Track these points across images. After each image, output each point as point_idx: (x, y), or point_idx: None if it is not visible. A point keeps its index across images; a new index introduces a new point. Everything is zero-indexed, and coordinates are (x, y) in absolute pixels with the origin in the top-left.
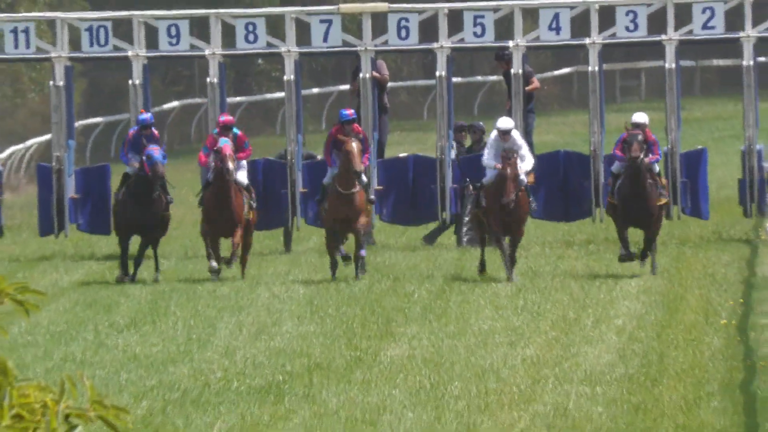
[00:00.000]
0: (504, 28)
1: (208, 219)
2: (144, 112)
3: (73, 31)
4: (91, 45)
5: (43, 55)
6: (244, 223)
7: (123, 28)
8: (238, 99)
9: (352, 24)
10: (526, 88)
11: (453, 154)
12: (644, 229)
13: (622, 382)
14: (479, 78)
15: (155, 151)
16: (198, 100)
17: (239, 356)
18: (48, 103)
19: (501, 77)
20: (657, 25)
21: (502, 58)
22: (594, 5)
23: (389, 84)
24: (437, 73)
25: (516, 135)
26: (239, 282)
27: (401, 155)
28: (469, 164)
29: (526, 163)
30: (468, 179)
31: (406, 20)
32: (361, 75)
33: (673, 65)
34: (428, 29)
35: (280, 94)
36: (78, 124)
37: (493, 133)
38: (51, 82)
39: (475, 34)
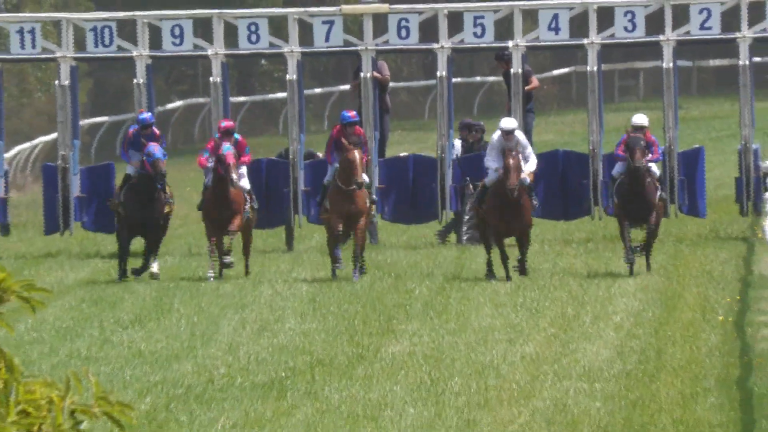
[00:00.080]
0: (504, 29)
1: (209, 220)
2: (143, 112)
3: (78, 32)
4: (96, 45)
5: (49, 55)
6: (243, 214)
7: (127, 29)
8: (241, 99)
9: (353, 24)
10: (526, 88)
11: (458, 151)
12: (645, 223)
13: (620, 378)
14: (479, 78)
15: (155, 148)
16: (201, 100)
17: (242, 353)
18: (53, 103)
19: (501, 77)
20: (655, 26)
21: (502, 58)
22: (593, 6)
23: (390, 84)
24: (437, 73)
25: (520, 135)
26: (242, 280)
27: (402, 155)
28: (469, 163)
29: (529, 164)
30: (468, 178)
31: (407, 21)
32: (362, 74)
33: (671, 65)
34: (428, 30)
35: (283, 94)
36: (83, 123)
37: (496, 134)
38: (56, 82)
39: (474, 34)
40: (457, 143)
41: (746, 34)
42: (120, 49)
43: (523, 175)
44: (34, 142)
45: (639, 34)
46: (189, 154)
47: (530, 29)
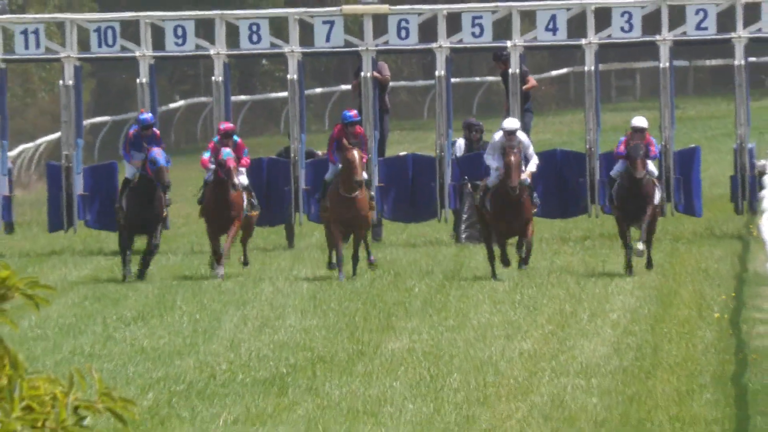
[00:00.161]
0: (502, 29)
1: (208, 216)
2: (144, 112)
3: (82, 32)
4: (100, 45)
5: (53, 56)
6: (242, 216)
7: (130, 29)
8: (242, 98)
9: (353, 25)
10: (524, 87)
11: (462, 150)
12: (643, 226)
13: (616, 375)
14: (478, 78)
15: (159, 154)
16: (203, 99)
17: (244, 349)
18: (57, 103)
19: (499, 77)
20: (651, 26)
21: (500, 58)
22: (590, 6)
23: (390, 84)
24: (436, 73)
25: (522, 136)
26: (244, 277)
27: (401, 154)
28: (468, 162)
29: (530, 165)
30: (466, 177)
31: (406, 21)
32: (362, 74)
33: (667, 65)
34: (428, 30)
35: (284, 94)
36: (86, 122)
37: (498, 134)
38: (60, 82)
39: (473, 34)
40: (461, 142)
41: (742, 34)
42: (123, 49)
43: (523, 176)
44: (38, 141)
45: (636, 35)
46: (191, 153)
47: (528, 30)
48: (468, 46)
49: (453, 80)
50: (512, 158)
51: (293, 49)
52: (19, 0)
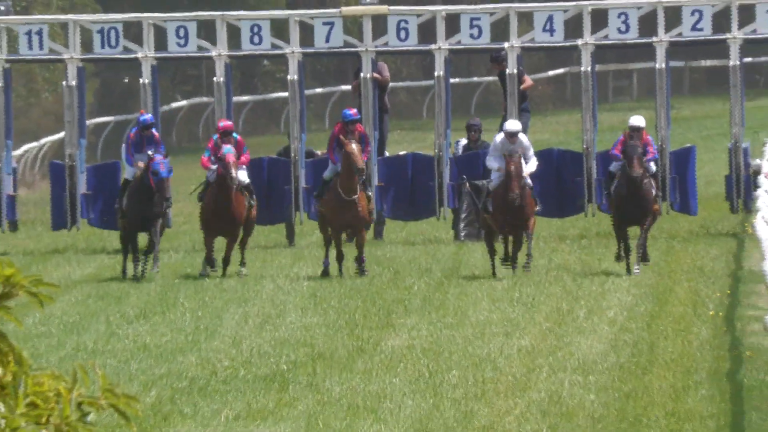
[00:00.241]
0: (500, 30)
1: (208, 218)
2: (144, 113)
3: (85, 33)
4: (103, 46)
5: (56, 56)
6: (243, 224)
7: (133, 30)
8: (244, 98)
9: (353, 26)
10: (521, 87)
11: (462, 149)
12: (639, 225)
13: (613, 371)
14: (476, 78)
15: (161, 166)
16: (205, 100)
17: (245, 346)
18: (61, 103)
19: (497, 78)
20: (647, 28)
21: (497, 59)
22: (587, 8)
23: (389, 84)
24: (435, 74)
25: (522, 138)
26: (244, 274)
27: (401, 153)
28: (466, 162)
29: (530, 165)
30: (464, 176)
31: (405, 22)
32: (362, 75)
33: (663, 66)
34: (427, 31)
35: (285, 94)
36: (90, 122)
37: (499, 135)
38: (64, 83)
39: (471, 35)
40: (464, 141)
41: (737, 35)
42: (126, 50)
43: (525, 175)
44: (42, 141)
45: (632, 36)
46: (193, 152)
47: (526, 31)
48: (466, 47)
49: (452, 80)
50: (513, 167)
51: (294, 49)
52: (23, 1)
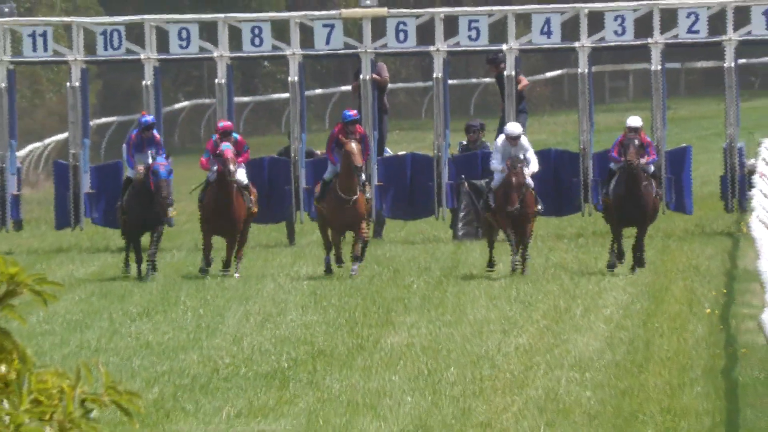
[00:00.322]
0: (498, 32)
1: (208, 217)
2: (145, 114)
3: (89, 35)
4: (106, 48)
5: (60, 58)
6: (242, 226)
7: (135, 32)
8: (245, 99)
9: (353, 28)
10: (518, 87)
11: (461, 149)
12: (638, 227)
13: (609, 368)
14: (474, 80)
15: (161, 166)
16: (207, 101)
17: (246, 344)
18: (65, 104)
19: (494, 80)
20: (644, 29)
21: (493, 61)
22: (583, 10)
23: (389, 85)
24: (434, 75)
25: (524, 140)
26: (245, 274)
27: (400, 153)
28: (465, 162)
29: (532, 166)
30: (463, 176)
31: (404, 24)
32: (361, 76)
33: (659, 67)
34: (425, 33)
35: (285, 95)
36: (93, 123)
37: (501, 138)
38: (67, 84)
39: (470, 37)
40: (465, 142)
41: (732, 37)
42: (128, 51)
43: (526, 173)
44: (46, 141)
45: (628, 38)
46: (195, 152)
47: (523, 33)
48: (465, 48)
49: (450, 82)
50: (513, 180)
51: (294, 51)
52: (27, 3)
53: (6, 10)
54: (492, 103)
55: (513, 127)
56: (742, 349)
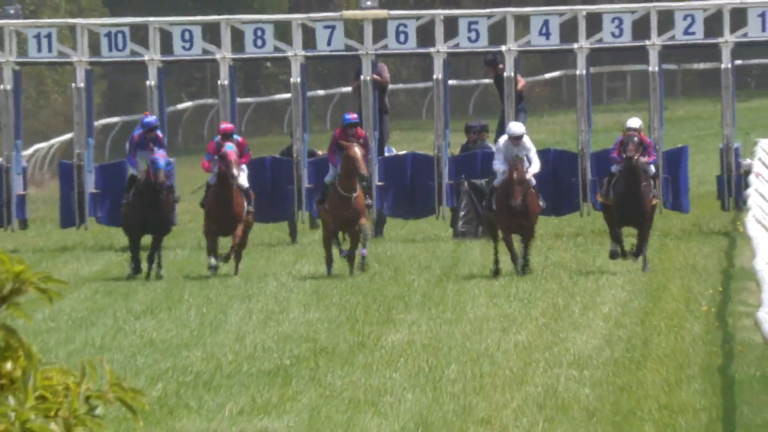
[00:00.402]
0: (497, 34)
1: (210, 218)
2: (148, 115)
3: (93, 37)
4: (110, 49)
5: (65, 59)
6: (244, 221)
7: (140, 34)
8: (247, 100)
9: (354, 29)
10: (517, 87)
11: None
12: (637, 227)
13: (608, 366)
14: (474, 81)
15: (160, 157)
16: (210, 101)
17: (249, 341)
18: (70, 104)
19: (493, 80)
20: (641, 31)
21: (491, 63)
22: (582, 12)
23: (389, 86)
24: (434, 76)
25: (526, 140)
26: (248, 272)
27: (400, 153)
28: (465, 162)
29: (532, 167)
30: (463, 176)
31: (405, 26)
32: (362, 77)
33: (657, 68)
34: (425, 34)
35: (287, 96)
36: (97, 123)
37: (503, 138)
38: (72, 85)
39: (469, 39)
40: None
41: (728, 38)
42: (133, 53)
43: (528, 176)
44: (51, 141)
45: (626, 39)
46: (198, 152)
47: (522, 34)
48: (464, 50)
49: (450, 82)
50: (515, 175)
51: (296, 52)
52: (32, 5)
53: (11, 11)
54: (491, 104)
55: (516, 127)
56: (738, 347)
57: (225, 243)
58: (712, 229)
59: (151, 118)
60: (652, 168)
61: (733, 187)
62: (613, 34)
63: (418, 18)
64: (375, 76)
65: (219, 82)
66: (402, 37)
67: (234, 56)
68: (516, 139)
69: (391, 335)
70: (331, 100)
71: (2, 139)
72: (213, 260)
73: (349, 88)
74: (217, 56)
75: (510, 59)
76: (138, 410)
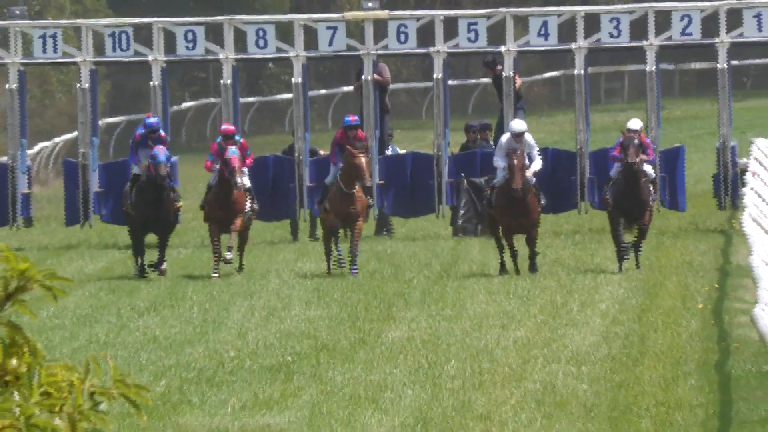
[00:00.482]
0: (496, 34)
1: (212, 216)
2: (150, 116)
3: (97, 37)
4: (114, 50)
5: (70, 59)
6: (245, 215)
7: (143, 34)
8: (250, 99)
9: (355, 30)
10: (516, 87)
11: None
12: (637, 224)
13: (605, 362)
14: (473, 80)
15: (160, 151)
16: (213, 101)
17: (251, 338)
18: (74, 104)
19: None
20: (639, 32)
21: (489, 64)
22: (580, 13)
23: (390, 86)
24: (434, 76)
25: (528, 137)
26: (250, 270)
27: (401, 152)
28: (464, 161)
29: (534, 164)
30: (462, 174)
31: (405, 26)
32: (363, 77)
33: (654, 68)
34: (425, 35)
35: (289, 96)
36: (102, 123)
37: (505, 135)
38: (77, 84)
39: (469, 39)
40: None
41: (725, 39)
42: (136, 53)
43: (528, 173)
44: (56, 140)
45: (624, 40)
46: (201, 151)
47: (521, 35)
48: (464, 50)
49: (450, 82)
50: (516, 161)
51: (298, 53)
52: (37, 6)
53: (17, 12)
54: (491, 103)
55: (517, 125)
56: (734, 344)
57: (224, 242)
58: (709, 227)
59: (154, 120)
60: (653, 174)
61: (729, 186)
62: (610, 35)
63: (418, 19)
64: (376, 76)
65: (222, 81)
66: (402, 38)
67: (237, 56)
68: (518, 136)
69: (391, 332)
70: (332, 99)
71: (8, 138)
72: (215, 275)
73: (350, 88)
74: (220, 56)
75: (509, 59)
76: (141, 406)
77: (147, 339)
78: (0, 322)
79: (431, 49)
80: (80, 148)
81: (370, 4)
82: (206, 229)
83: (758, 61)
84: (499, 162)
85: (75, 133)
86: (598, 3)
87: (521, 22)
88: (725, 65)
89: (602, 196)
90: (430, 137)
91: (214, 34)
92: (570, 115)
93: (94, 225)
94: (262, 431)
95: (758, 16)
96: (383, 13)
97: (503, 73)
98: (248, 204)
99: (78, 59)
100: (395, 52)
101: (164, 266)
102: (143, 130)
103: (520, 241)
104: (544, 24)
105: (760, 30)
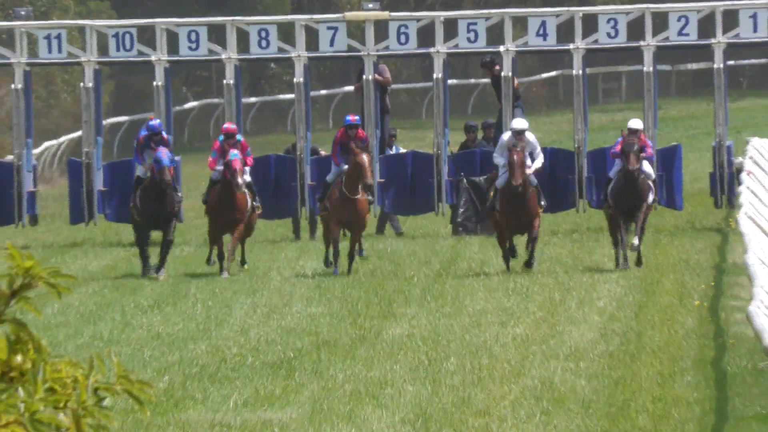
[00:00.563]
0: (495, 35)
1: (213, 216)
2: (153, 119)
3: (101, 38)
4: (118, 50)
5: (74, 60)
6: (246, 219)
7: (147, 35)
8: (252, 99)
9: (356, 30)
10: (515, 86)
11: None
12: (635, 221)
13: (603, 359)
14: (473, 80)
15: (163, 154)
16: (215, 101)
17: (253, 334)
18: (79, 103)
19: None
20: (636, 32)
21: (488, 65)
22: (578, 13)
23: (390, 86)
24: (434, 76)
25: (529, 135)
26: (252, 267)
27: (401, 151)
28: (464, 160)
29: (536, 162)
30: (462, 173)
31: (406, 27)
32: (364, 77)
33: (651, 69)
34: (426, 35)
35: (291, 95)
36: (106, 122)
37: (506, 134)
38: (81, 84)
39: (468, 39)
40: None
41: (721, 39)
42: (140, 53)
43: (529, 171)
44: (61, 139)
45: (621, 40)
46: (204, 151)
47: (520, 35)
48: (463, 50)
49: (450, 82)
50: (515, 157)
51: (300, 53)
52: (42, 7)
53: (23, 13)
54: (490, 103)
55: (518, 123)
56: (730, 340)
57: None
58: (705, 225)
59: (156, 122)
60: (653, 173)
61: (725, 185)
62: (608, 35)
63: (418, 19)
64: (377, 76)
65: (224, 81)
66: (403, 38)
67: (239, 57)
68: (519, 134)
69: (391, 329)
70: (333, 99)
71: (13, 138)
72: (224, 273)
73: (351, 88)
74: (223, 57)
75: (508, 59)
76: (145, 402)
77: (150, 336)
78: (5, 319)
79: (431, 50)
80: (84, 148)
81: (370, 5)
82: (207, 227)
83: (754, 61)
84: (499, 159)
85: (79, 133)
86: (596, 4)
87: (520, 23)
88: (721, 65)
89: (601, 198)
90: (430, 137)
91: (217, 34)
92: (568, 114)
93: (99, 223)
94: (264, 427)
95: (754, 17)
96: (384, 14)
97: (502, 73)
98: (249, 202)
99: (82, 59)
100: (396, 52)
101: (163, 275)
102: (146, 133)
103: (520, 245)
104: (543, 24)
105: (755, 30)
